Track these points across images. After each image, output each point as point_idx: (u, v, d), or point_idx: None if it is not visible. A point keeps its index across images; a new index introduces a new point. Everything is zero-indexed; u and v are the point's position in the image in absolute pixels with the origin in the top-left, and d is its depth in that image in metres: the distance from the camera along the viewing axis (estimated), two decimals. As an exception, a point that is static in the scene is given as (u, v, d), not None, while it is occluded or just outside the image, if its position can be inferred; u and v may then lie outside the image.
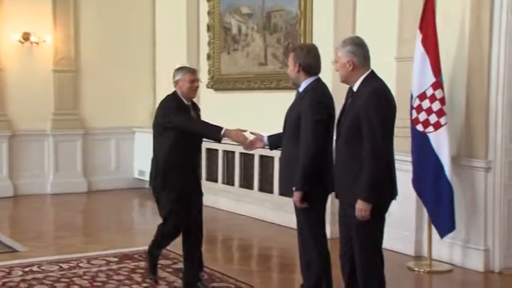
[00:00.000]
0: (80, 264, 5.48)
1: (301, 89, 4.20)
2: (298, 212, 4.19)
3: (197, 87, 4.72)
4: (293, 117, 4.16)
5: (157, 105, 10.52)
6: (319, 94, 4.11)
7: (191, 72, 4.72)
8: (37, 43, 9.18)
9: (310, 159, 3.99)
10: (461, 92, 5.55)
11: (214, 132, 4.54)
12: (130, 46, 9.92)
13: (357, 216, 3.65)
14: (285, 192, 4.43)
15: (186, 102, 4.68)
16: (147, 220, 8.26)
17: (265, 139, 4.52)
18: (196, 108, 4.83)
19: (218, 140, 4.52)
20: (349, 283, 3.94)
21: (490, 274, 5.37)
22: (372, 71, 3.80)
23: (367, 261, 3.77)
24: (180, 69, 4.79)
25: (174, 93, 4.73)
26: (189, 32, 9.26)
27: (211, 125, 4.61)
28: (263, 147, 4.68)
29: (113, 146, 9.88)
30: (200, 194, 4.82)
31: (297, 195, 4.05)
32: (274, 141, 4.49)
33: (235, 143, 4.73)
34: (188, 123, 4.58)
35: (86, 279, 5.06)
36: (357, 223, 3.70)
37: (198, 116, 4.82)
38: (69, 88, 9.49)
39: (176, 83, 4.70)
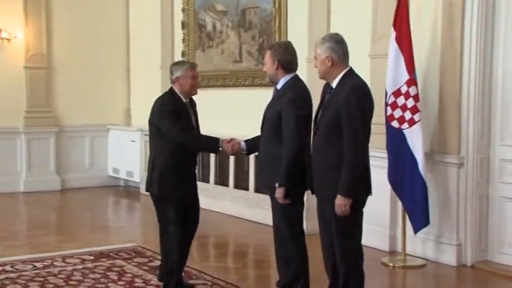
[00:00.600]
0: (55, 263, 5.42)
1: (279, 86, 4.21)
2: (277, 209, 4.19)
3: (199, 83, 4.44)
4: (273, 114, 4.15)
5: (132, 103, 10.33)
6: (299, 91, 4.13)
7: (193, 67, 4.41)
8: (8, 39, 9.05)
9: (295, 155, 4.00)
10: (435, 89, 5.62)
11: (211, 147, 4.47)
12: (104, 43, 9.84)
13: (337, 212, 3.68)
14: (265, 189, 4.40)
15: (184, 100, 4.39)
16: (121, 218, 8.23)
17: (243, 144, 4.46)
18: (193, 104, 4.54)
19: (215, 153, 4.40)
20: (334, 278, 3.97)
21: (463, 268, 5.45)
22: (351, 68, 3.85)
23: (348, 257, 3.81)
24: (180, 64, 4.48)
25: (171, 91, 4.41)
26: (163, 29, 9.23)
27: (207, 138, 4.45)
28: (241, 152, 4.61)
29: (87, 143, 9.79)
30: (197, 200, 4.64)
31: (280, 191, 4.05)
32: (251, 146, 4.46)
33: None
34: (184, 138, 4.29)
35: (60, 278, 5.01)
36: (336, 219, 3.73)
37: (195, 112, 4.55)
38: (42, 85, 9.37)
39: (176, 80, 4.35)
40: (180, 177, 4.36)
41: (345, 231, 3.78)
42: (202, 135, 4.50)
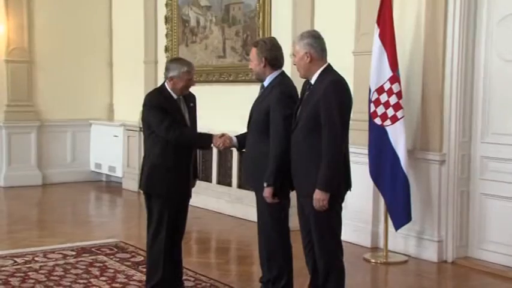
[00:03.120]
0: (36, 259, 5.39)
1: (266, 83, 4.17)
2: (264, 206, 4.15)
3: (192, 84, 4.30)
4: (260, 112, 4.12)
5: (114, 98, 10.23)
6: (287, 88, 4.10)
7: (189, 72, 4.24)
8: (-11, 33, 8.97)
9: (282, 154, 3.96)
10: (417, 86, 5.66)
11: (202, 144, 4.41)
12: (87, 37, 9.75)
13: (315, 207, 3.70)
14: (252, 187, 4.35)
15: (175, 96, 4.26)
16: (104, 213, 8.18)
17: (235, 140, 4.36)
18: (187, 99, 4.38)
19: (207, 149, 4.25)
20: (314, 273, 3.99)
21: (444, 264, 5.50)
22: (329, 65, 3.87)
23: (327, 252, 3.83)
24: (177, 63, 4.30)
25: (162, 88, 4.31)
26: (146, 24, 9.18)
27: (198, 135, 4.37)
28: (231, 147, 4.54)
29: (68, 138, 9.71)
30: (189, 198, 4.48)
31: (268, 190, 4.01)
32: (242, 141, 4.35)
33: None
34: (172, 135, 4.15)
35: (42, 274, 4.97)
36: (315, 214, 3.75)
37: (189, 107, 4.38)
38: (23, 79, 9.27)
39: (170, 79, 4.22)
40: (170, 176, 4.23)
41: (323, 227, 3.80)
42: (192, 131, 4.39)
